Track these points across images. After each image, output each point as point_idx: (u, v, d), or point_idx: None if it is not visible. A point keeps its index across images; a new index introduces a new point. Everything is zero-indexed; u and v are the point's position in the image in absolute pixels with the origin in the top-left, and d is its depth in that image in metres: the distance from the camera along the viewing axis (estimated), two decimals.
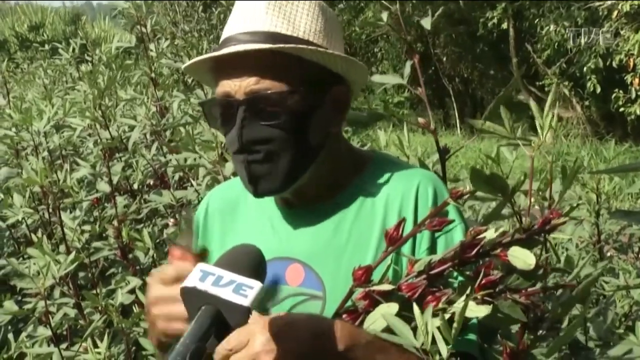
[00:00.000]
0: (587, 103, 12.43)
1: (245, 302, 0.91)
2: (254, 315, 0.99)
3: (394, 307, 1.01)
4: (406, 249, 1.19)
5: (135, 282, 2.19)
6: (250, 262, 1.01)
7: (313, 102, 1.21)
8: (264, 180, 1.21)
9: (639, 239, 2.71)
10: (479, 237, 1.07)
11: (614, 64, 10.12)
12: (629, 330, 2.12)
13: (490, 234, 1.07)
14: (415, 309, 0.93)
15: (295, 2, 1.23)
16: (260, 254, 1.04)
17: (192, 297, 0.94)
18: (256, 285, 0.93)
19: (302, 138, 1.21)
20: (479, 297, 1.00)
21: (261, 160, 1.19)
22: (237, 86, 1.17)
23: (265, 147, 1.19)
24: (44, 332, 2.14)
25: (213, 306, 0.92)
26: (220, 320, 0.92)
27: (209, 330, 0.91)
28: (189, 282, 0.94)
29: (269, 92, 1.17)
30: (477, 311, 0.97)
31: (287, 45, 1.18)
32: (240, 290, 0.92)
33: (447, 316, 0.96)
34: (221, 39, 1.24)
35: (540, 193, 1.43)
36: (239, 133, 1.18)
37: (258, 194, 1.24)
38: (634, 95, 10.04)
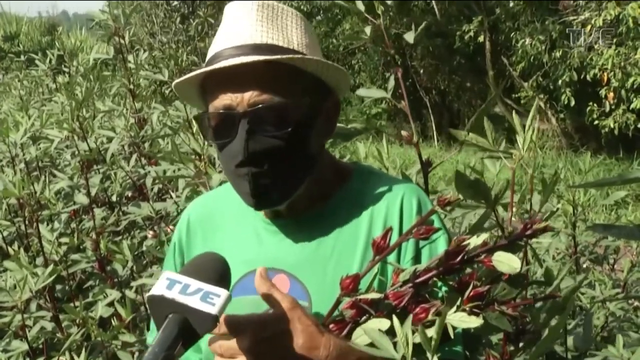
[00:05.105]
0: (562, 116, 12.58)
1: (213, 310, 0.92)
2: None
3: (385, 322, 1.02)
4: (391, 258, 1.20)
5: (114, 294, 2.16)
6: (215, 270, 1.02)
7: (312, 113, 1.22)
8: (267, 193, 1.20)
9: (614, 250, 2.75)
10: (463, 244, 1.09)
11: (588, 78, 10.27)
12: (604, 341, 2.14)
13: (473, 241, 1.09)
14: (395, 321, 0.93)
15: (284, 14, 1.24)
16: (224, 262, 1.04)
17: (160, 306, 0.95)
18: (223, 294, 0.94)
19: (303, 149, 1.22)
20: (467, 309, 1.01)
21: (265, 173, 1.18)
22: (239, 98, 1.16)
23: (269, 159, 1.17)
24: (19, 345, 2.11)
25: (180, 314, 0.93)
26: (187, 328, 0.93)
27: (177, 338, 0.92)
28: (156, 291, 0.95)
29: (273, 103, 1.16)
30: (469, 322, 0.98)
31: (295, 57, 1.17)
32: (207, 298, 0.93)
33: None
34: (212, 53, 1.22)
35: (522, 205, 1.44)
36: (244, 145, 1.15)
37: (260, 206, 1.24)
38: (608, 109, 10.19)
